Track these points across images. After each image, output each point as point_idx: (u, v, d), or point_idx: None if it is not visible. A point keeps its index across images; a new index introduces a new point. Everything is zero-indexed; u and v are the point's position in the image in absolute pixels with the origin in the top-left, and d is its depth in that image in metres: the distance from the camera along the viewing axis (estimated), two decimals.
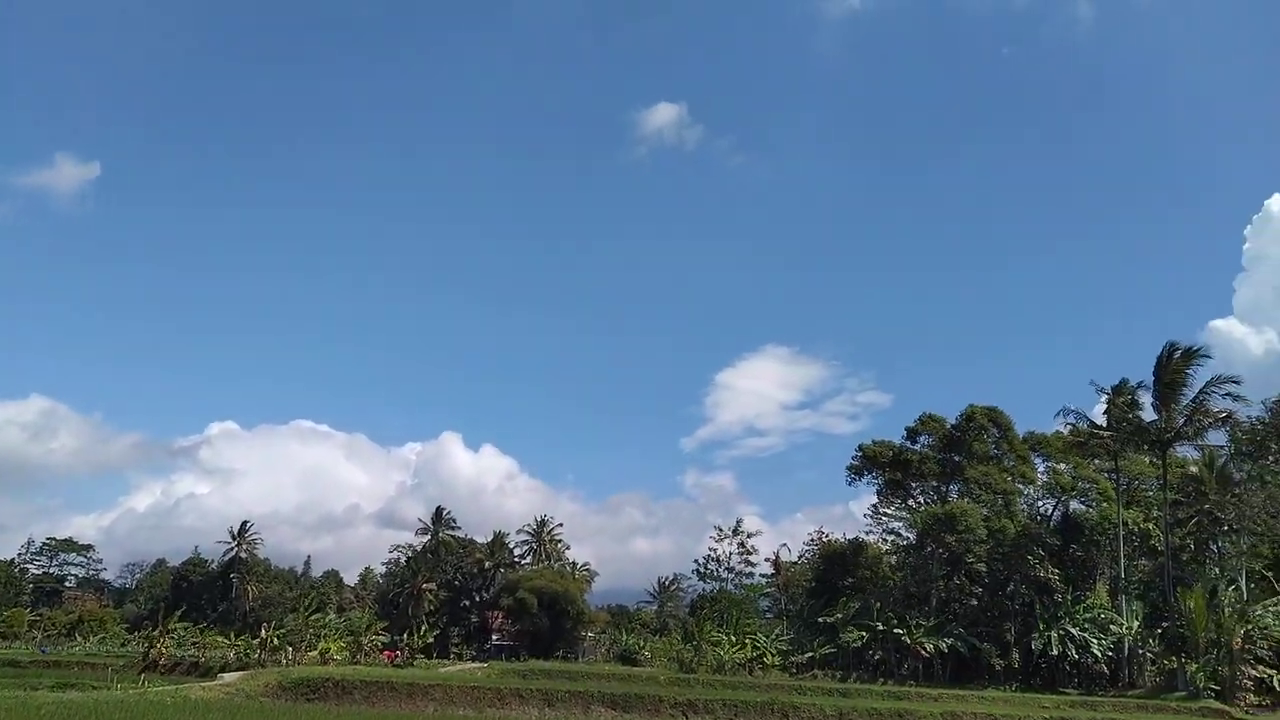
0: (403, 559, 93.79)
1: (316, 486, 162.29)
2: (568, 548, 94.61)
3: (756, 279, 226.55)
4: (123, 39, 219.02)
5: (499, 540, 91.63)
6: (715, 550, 71.13)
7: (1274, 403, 59.57)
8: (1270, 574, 55.24)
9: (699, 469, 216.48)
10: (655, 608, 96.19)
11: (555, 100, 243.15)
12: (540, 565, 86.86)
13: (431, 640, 63.36)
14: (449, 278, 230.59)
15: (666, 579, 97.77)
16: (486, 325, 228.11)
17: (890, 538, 64.83)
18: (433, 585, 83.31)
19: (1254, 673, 45.83)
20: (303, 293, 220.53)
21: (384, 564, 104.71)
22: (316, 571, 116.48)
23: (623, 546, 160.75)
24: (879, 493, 64.05)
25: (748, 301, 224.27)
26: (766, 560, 73.06)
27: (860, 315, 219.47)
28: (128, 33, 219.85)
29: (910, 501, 63.92)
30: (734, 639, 57.54)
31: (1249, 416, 56.58)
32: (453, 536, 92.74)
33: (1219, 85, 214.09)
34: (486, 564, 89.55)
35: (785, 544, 76.71)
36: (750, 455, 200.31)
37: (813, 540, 71.16)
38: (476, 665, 55.70)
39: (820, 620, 58.25)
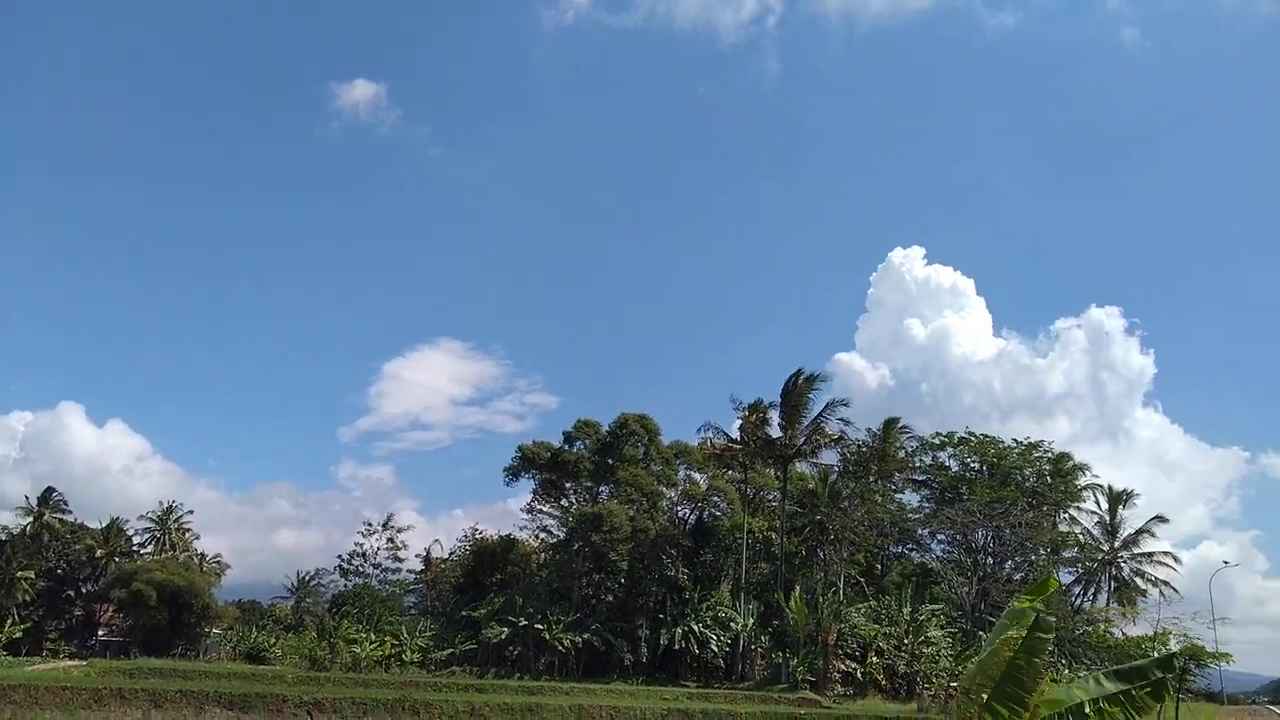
0: None
1: None
2: (197, 537, 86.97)
3: (436, 270, 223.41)
4: None
5: (115, 526, 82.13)
6: (362, 545, 68.68)
7: (878, 430, 68.06)
8: (863, 579, 62.99)
9: (356, 460, 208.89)
10: (292, 603, 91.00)
11: (241, 56, 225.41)
12: (164, 555, 79.14)
13: (20, 635, 55.89)
14: (97, 243, 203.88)
15: (307, 574, 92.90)
16: (128, 292, 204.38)
17: (542, 535, 66.22)
18: (30, 574, 73.11)
19: (843, 666, 51.74)
20: None
21: None
22: None
23: (267, 539, 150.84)
24: (534, 492, 65.20)
25: (425, 292, 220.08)
26: (417, 556, 71.70)
27: (534, 318, 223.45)
28: None
29: (564, 501, 65.63)
30: (374, 636, 55.80)
31: (857, 440, 64.24)
32: (60, 520, 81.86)
33: (857, 152, 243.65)
34: (99, 552, 79.97)
35: (438, 540, 75.78)
36: (413, 449, 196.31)
37: (466, 537, 70.88)
38: (74, 663, 49.80)
39: (464, 616, 58.07)
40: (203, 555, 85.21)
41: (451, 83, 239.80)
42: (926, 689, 48.94)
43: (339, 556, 69.47)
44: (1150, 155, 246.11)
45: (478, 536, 69.62)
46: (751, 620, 54.91)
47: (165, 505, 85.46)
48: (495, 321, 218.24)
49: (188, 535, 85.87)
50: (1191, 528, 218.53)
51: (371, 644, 54.30)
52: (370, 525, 68.84)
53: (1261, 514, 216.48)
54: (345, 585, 68.46)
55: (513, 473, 65.32)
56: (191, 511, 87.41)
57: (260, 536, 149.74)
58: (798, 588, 55.33)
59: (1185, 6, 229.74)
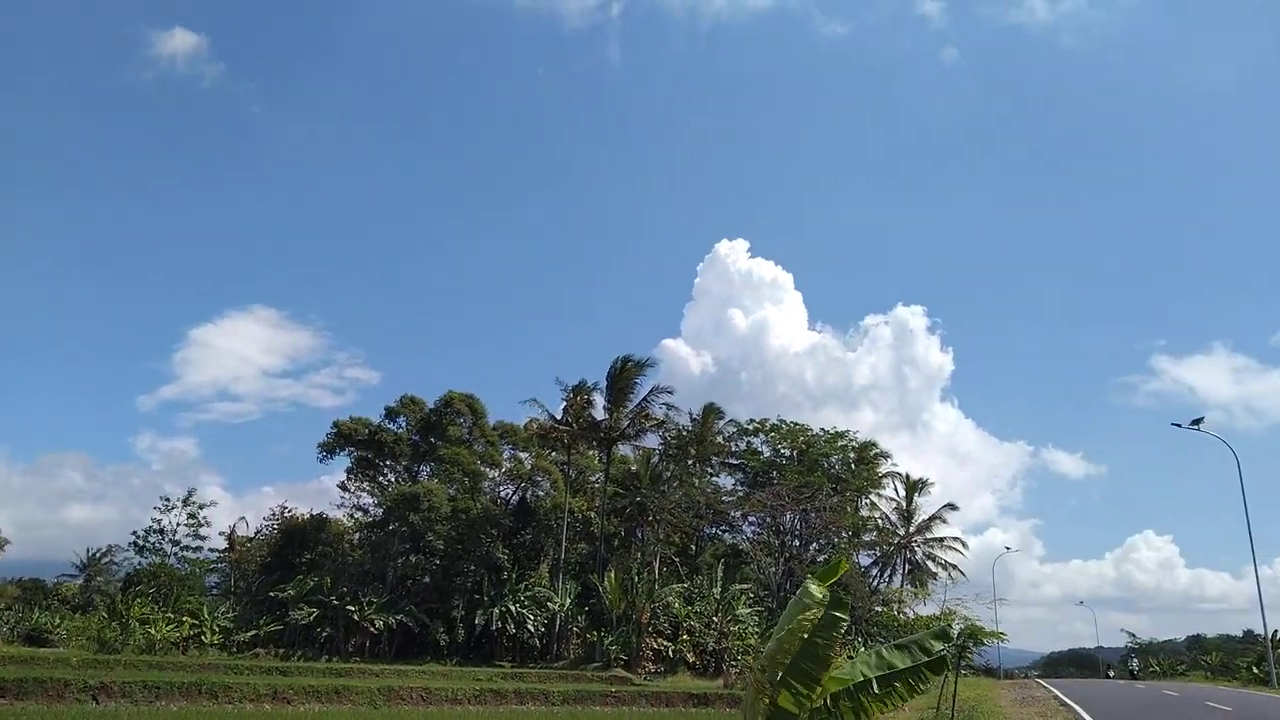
0: None
1: None
2: None
3: (253, 233, 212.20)
4: None
5: None
6: (160, 521, 64.54)
7: (699, 415, 70.09)
8: (678, 559, 64.80)
9: (157, 431, 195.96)
10: (81, 582, 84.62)
11: None
12: None
13: None
14: None
15: (98, 551, 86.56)
16: None
17: (358, 514, 64.45)
18: None
19: (654, 644, 53.10)
20: None
21: None
22: None
23: (55, 512, 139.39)
24: (349, 471, 63.30)
25: (239, 255, 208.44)
26: (221, 534, 68.08)
27: (357, 289, 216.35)
28: None
29: (381, 479, 64.09)
30: (170, 616, 52.76)
31: (679, 424, 65.94)
32: None
33: (691, 144, 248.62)
34: None
35: (244, 517, 72.06)
36: (220, 420, 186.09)
37: (274, 515, 67.94)
38: None
39: (271, 596, 55.88)
40: None
41: (280, 42, 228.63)
42: (733, 666, 50.92)
43: (134, 533, 65.09)
44: (960, 167, 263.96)
45: (286, 515, 66.95)
46: (569, 600, 55.47)
47: None
48: (314, 291, 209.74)
49: None
50: (979, 515, 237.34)
51: (168, 625, 51.36)
52: (169, 501, 64.79)
53: (1041, 504, 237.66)
54: (140, 564, 64.24)
55: (327, 449, 63.17)
56: None
57: (47, 510, 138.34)
58: (615, 568, 56.33)
59: (998, 33, 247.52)
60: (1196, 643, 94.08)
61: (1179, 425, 49.35)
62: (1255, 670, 53.98)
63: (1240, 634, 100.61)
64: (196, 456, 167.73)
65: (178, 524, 64.13)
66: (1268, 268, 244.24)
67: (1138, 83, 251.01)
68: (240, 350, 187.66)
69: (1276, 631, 53.13)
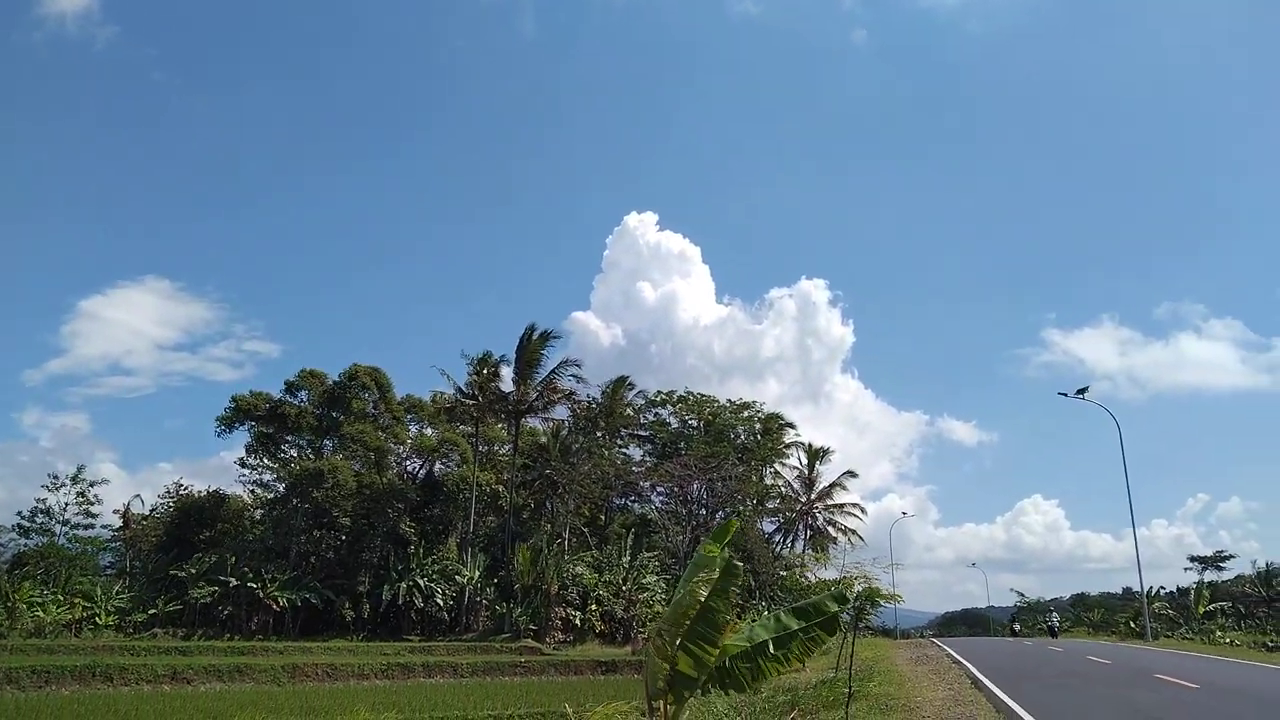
0: None
1: None
2: None
3: (149, 202, 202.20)
4: None
5: None
6: (47, 500, 61.88)
7: (608, 386, 70.40)
8: (587, 530, 65.26)
9: (45, 407, 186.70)
10: None
11: None
12: None
13: None
14: None
15: None
16: None
17: (259, 490, 62.99)
18: None
19: (564, 614, 53.55)
20: None
21: None
22: None
23: None
24: (248, 447, 61.70)
25: (132, 224, 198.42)
26: (115, 512, 65.60)
27: (256, 260, 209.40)
28: None
29: (283, 455, 62.69)
30: (61, 598, 50.84)
31: (588, 396, 66.16)
32: None
33: (603, 117, 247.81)
34: None
35: (138, 495, 69.78)
36: (113, 395, 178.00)
37: (169, 492, 65.81)
38: None
39: (169, 575, 54.36)
40: None
41: (180, 8, 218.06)
42: (641, 633, 51.71)
43: (19, 514, 62.32)
44: (864, 146, 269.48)
45: (183, 492, 64.97)
46: (478, 573, 55.42)
47: None
48: (211, 261, 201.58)
49: None
50: (878, 482, 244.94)
51: (58, 607, 49.52)
52: (57, 479, 62.17)
53: (936, 471, 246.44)
54: (26, 545, 61.57)
55: (226, 424, 61.40)
56: None
57: None
58: (524, 540, 56.46)
59: (909, 17, 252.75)
60: (1080, 600, 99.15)
61: (1065, 395, 51.62)
62: (1132, 625, 57.31)
63: (1120, 591, 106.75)
64: (88, 433, 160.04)
65: (66, 503, 61.71)
66: (1152, 243, 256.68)
67: (1036, 67, 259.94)
68: (132, 322, 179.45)
69: (1152, 589, 56.50)
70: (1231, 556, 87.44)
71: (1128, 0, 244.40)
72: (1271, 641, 44.50)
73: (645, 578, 55.34)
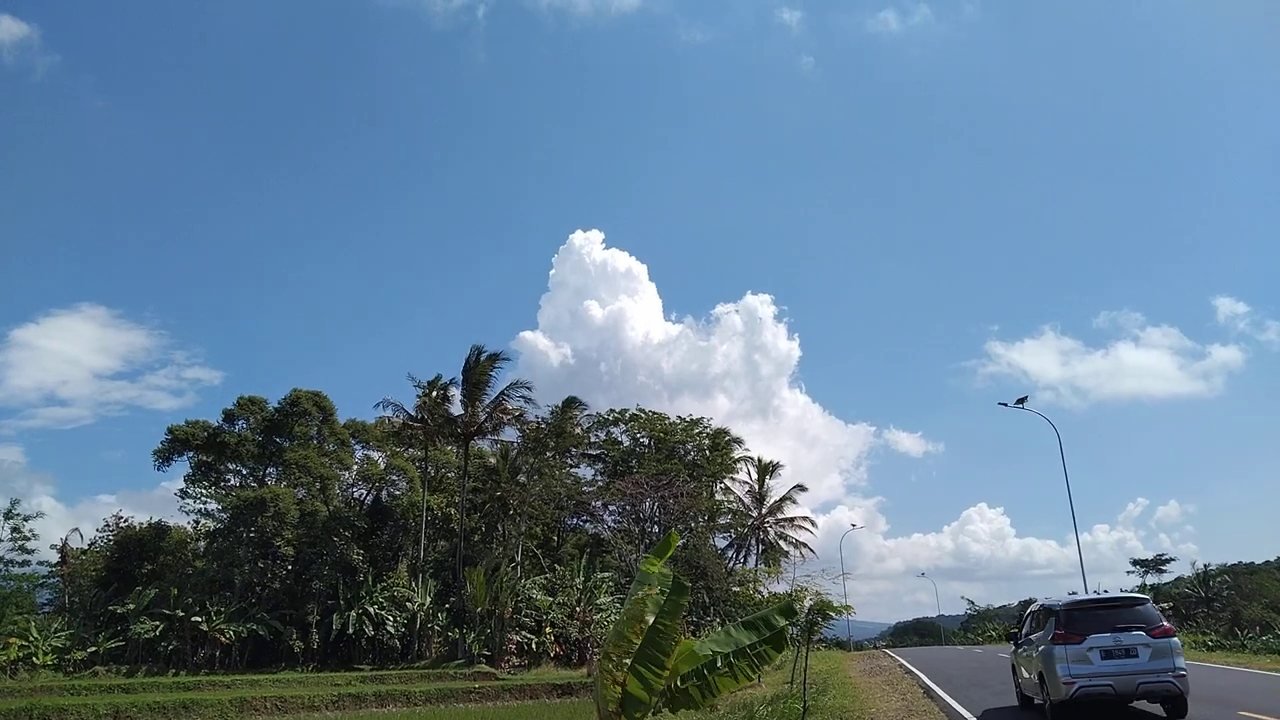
0: None
1: None
2: None
3: (82, 227, 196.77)
4: None
5: None
6: None
7: (558, 407, 70.04)
8: (540, 552, 64.74)
9: None
10: None
11: None
12: None
13: None
14: None
15: None
16: None
17: (202, 521, 61.58)
18: None
19: (518, 638, 52.97)
20: None
21: None
22: None
23: None
24: (188, 477, 60.31)
25: (63, 251, 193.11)
26: (53, 547, 63.52)
27: (196, 285, 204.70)
28: None
29: (225, 484, 61.38)
30: None
31: (537, 416, 65.69)
32: None
33: (550, 138, 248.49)
34: None
35: (77, 529, 67.71)
36: (48, 427, 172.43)
37: (109, 525, 63.99)
38: None
39: (109, 611, 52.79)
40: None
41: (122, 35, 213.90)
42: (596, 654, 51.34)
43: None
44: (810, 164, 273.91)
45: (122, 524, 63.23)
46: (429, 599, 54.62)
47: None
48: (148, 287, 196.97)
49: None
50: (828, 494, 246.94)
51: None
52: None
53: (884, 482, 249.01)
54: None
55: (163, 455, 60.09)
56: None
57: None
58: (482, 563, 55.77)
59: (854, 43, 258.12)
60: (1027, 607, 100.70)
61: (1005, 405, 52.46)
62: None
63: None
64: (24, 466, 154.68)
65: (0, 539, 59.66)
66: (1090, 253, 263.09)
67: (974, 89, 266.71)
68: (67, 351, 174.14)
69: (1096, 592, 57.46)
70: (1171, 559, 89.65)
71: (1059, 30, 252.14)
72: (1212, 641, 45.52)
73: (600, 598, 54.98)
